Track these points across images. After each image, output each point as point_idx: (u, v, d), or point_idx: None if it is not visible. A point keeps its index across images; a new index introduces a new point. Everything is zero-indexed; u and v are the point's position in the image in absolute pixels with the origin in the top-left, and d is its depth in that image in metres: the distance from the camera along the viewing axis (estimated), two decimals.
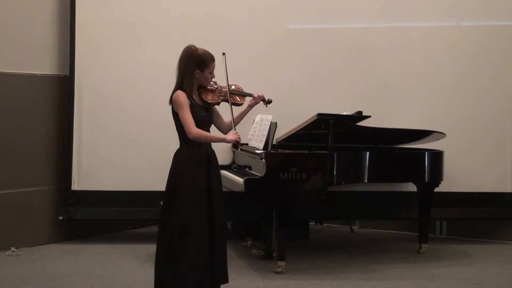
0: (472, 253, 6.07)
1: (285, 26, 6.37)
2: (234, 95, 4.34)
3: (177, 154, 4.18)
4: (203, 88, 4.20)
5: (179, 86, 4.10)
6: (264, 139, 5.30)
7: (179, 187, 4.08)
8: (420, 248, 5.98)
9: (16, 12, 5.99)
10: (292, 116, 5.69)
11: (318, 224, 7.04)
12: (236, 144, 4.30)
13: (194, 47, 4.14)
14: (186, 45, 4.20)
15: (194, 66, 4.10)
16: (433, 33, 6.38)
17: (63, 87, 6.23)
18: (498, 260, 5.85)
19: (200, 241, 4.06)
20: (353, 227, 7.05)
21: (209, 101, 4.20)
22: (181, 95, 4.05)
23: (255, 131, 5.54)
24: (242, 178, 5.18)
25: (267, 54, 6.29)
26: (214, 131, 4.31)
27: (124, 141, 6.22)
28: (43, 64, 6.17)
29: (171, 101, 4.12)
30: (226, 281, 4.28)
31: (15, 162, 5.95)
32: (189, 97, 4.09)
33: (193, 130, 4.04)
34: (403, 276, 5.24)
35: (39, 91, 6.12)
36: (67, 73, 6.20)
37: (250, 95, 4.42)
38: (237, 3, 6.33)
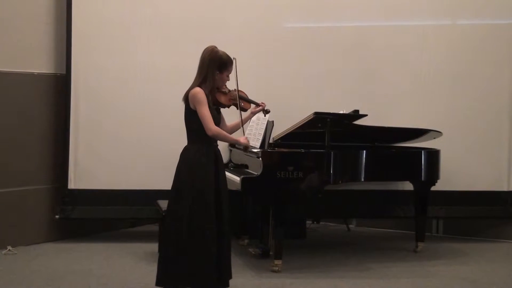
0: (468, 251, 6.08)
1: (281, 25, 6.38)
2: (243, 101, 4.41)
3: (186, 151, 4.21)
4: (217, 89, 4.24)
5: (199, 84, 4.14)
6: (260, 137, 5.29)
7: (189, 184, 4.12)
8: (417, 246, 5.99)
9: (13, 11, 5.98)
10: (289, 115, 5.69)
11: (314, 222, 7.05)
12: (245, 148, 4.45)
13: (216, 48, 4.23)
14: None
15: (216, 67, 4.17)
16: (429, 31, 6.39)
17: (59, 86, 6.22)
18: (494, 258, 5.86)
19: (208, 238, 4.09)
20: (350, 226, 7.06)
21: (222, 103, 4.29)
22: (201, 92, 4.11)
23: (251, 129, 5.53)
24: (238, 176, 5.18)
25: (264, 52, 6.29)
26: None
27: (121, 140, 6.22)
28: (40, 62, 6.16)
29: (186, 98, 4.15)
30: (229, 277, 4.31)
31: (11, 161, 5.94)
32: (207, 96, 4.13)
33: (213, 126, 4.11)
34: (400, 275, 5.25)
35: (35, 89, 6.11)
36: (64, 72, 6.20)
37: (255, 102, 4.55)
38: (234, 2, 6.33)
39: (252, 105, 4.56)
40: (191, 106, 4.14)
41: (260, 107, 4.55)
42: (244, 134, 4.39)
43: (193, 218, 4.08)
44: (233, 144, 5.94)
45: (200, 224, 4.08)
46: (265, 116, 4.71)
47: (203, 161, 4.14)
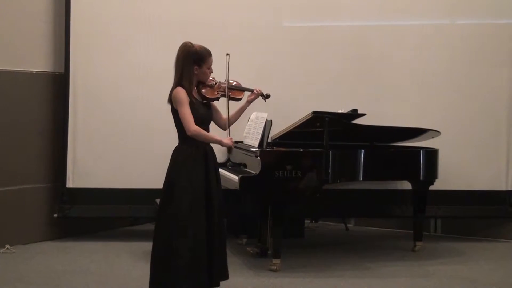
0: (467, 251, 6.08)
1: (280, 24, 6.37)
2: (233, 91, 4.37)
3: (175, 151, 4.19)
4: (202, 83, 4.21)
5: (178, 83, 4.11)
6: (259, 137, 5.30)
7: (177, 184, 4.09)
8: (415, 246, 5.99)
9: (11, 10, 5.98)
10: (287, 114, 5.69)
11: (313, 222, 7.06)
12: (229, 149, 4.44)
13: (190, 43, 4.16)
14: (181, 43, 4.21)
15: (192, 62, 4.12)
16: (428, 31, 6.38)
17: (58, 85, 6.22)
18: (492, 258, 5.86)
19: (197, 239, 4.07)
20: (348, 225, 7.06)
21: (208, 97, 4.22)
22: (181, 92, 4.06)
23: (250, 128, 5.54)
24: (237, 175, 5.18)
25: (262, 52, 6.29)
26: (212, 127, 4.31)
27: (119, 139, 6.22)
28: (38, 61, 6.16)
29: (170, 99, 4.13)
30: (226, 277, 4.29)
31: (9, 159, 5.94)
32: (189, 94, 4.10)
33: (192, 127, 4.05)
34: (398, 274, 5.25)
35: (34, 88, 6.11)
36: (62, 71, 6.20)
37: (249, 90, 4.47)
38: (232, 1, 6.33)
39: (247, 93, 4.48)
40: (175, 106, 4.11)
41: (255, 94, 4.47)
42: (229, 133, 4.31)
43: (182, 218, 4.05)
44: (229, 150, 5.94)
45: (188, 224, 4.05)
46: (265, 101, 4.61)
47: (192, 161, 4.11)
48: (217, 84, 4.29)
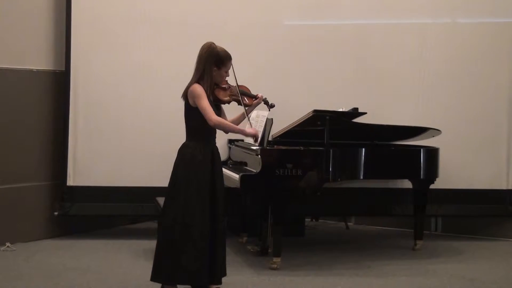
0: (467, 250, 6.08)
1: (280, 22, 6.37)
2: (244, 96, 4.41)
3: (183, 148, 4.22)
4: (216, 85, 4.25)
5: (197, 81, 4.15)
6: (260, 135, 5.29)
7: (183, 181, 4.13)
8: (415, 244, 5.99)
9: (11, 8, 5.97)
10: (288, 113, 5.68)
11: (313, 220, 7.07)
12: (256, 138, 4.51)
13: (214, 44, 4.23)
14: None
15: (213, 63, 4.17)
16: (428, 30, 6.38)
17: (59, 83, 6.22)
18: (492, 257, 5.86)
19: (200, 235, 4.10)
20: (349, 224, 7.06)
21: (220, 99, 4.29)
22: (199, 87, 4.12)
23: (251, 127, 5.53)
24: (237, 174, 5.18)
25: (263, 50, 6.29)
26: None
27: (120, 137, 6.21)
28: (39, 59, 6.15)
29: (185, 95, 4.16)
30: (224, 274, 4.32)
31: (10, 158, 5.93)
32: (206, 93, 4.14)
33: (214, 116, 4.11)
34: (398, 273, 5.25)
35: (34, 86, 6.11)
36: (63, 69, 6.19)
37: (255, 96, 4.51)
38: (233, 0, 6.32)
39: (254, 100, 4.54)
40: (191, 102, 4.15)
41: (259, 99, 4.51)
42: (251, 126, 4.35)
43: (187, 214, 4.10)
44: (232, 141, 5.95)
45: (193, 221, 4.09)
46: (269, 110, 4.68)
47: (200, 159, 4.15)
48: (230, 88, 4.35)
